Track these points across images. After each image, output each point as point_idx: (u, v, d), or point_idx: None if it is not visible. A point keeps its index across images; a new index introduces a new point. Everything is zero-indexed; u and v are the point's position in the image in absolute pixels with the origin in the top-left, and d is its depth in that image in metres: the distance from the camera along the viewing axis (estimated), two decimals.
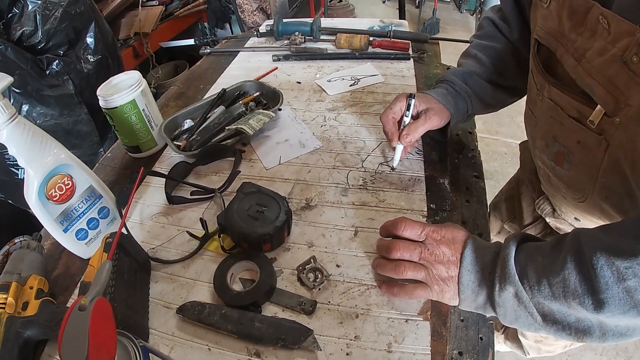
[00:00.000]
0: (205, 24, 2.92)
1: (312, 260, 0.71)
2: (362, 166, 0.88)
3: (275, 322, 0.58)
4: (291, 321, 0.58)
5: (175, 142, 0.96)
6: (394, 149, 0.80)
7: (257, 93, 1.07)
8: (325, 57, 1.18)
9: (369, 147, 0.92)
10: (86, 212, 0.68)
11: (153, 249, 0.71)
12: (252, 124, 0.93)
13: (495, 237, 1.18)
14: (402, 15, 2.93)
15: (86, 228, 0.69)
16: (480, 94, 0.79)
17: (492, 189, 2.20)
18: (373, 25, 1.32)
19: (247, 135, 0.90)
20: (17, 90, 1.37)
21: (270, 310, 0.60)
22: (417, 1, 4.24)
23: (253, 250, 0.67)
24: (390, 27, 1.29)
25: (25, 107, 1.40)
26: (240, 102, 1.02)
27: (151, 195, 0.82)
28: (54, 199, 0.63)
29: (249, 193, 0.74)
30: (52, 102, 1.44)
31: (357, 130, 0.97)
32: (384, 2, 4.78)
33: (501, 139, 2.59)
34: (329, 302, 0.61)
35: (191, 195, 0.82)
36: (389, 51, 1.22)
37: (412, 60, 1.19)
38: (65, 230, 0.66)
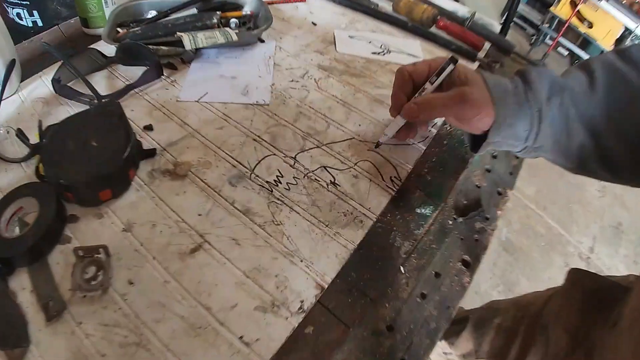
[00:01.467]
0: None
1: (102, 250, 0.43)
2: (295, 159, 0.56)
3: None
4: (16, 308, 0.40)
5: (119, 29, 0.71)
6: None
7: (249, 12, 0.77)
8: (368, 12, 0.91)
9: (330, 136, 0.60)
10: None
11: None
12: (198, 38, 0.65)
13: None
14: (503, 31, 2.26)
15: None
16: (563, 128, 0.47)
17: (509, 267, 1.79)
18: (456, 10, 0.93)
19: (187, 51, 0.64)
20: None
21: (20, 281, 0.42)
22: (532, 38, 3.39)
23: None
24: (471, 15, 0.89)
25: None
26: (219, 13, 0.73)
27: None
28: None
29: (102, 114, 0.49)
30: None
31: (332, 108, 0.65)
32: None
33: (546, 218, 2.00)
34: (81, 322, 0.40)
35: (70, 96, 0.60)
36: (453, 40, 0.84)
37: (477, 64, 0.81)
38: None
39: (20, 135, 0.53)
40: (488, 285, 1.62)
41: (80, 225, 0.47)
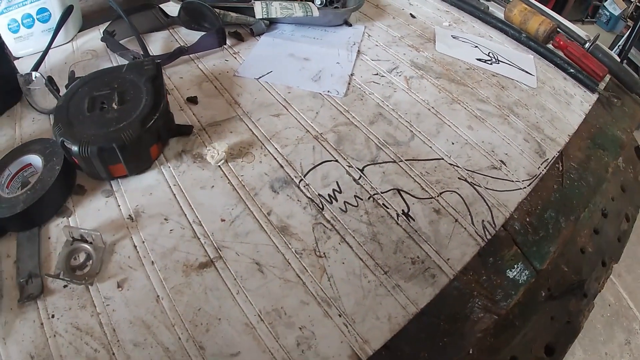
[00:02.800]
0: None
1: (96, 237, 0.34)
2: (362, 172, 0.43)
3: None
4: None
5: None
6: None
7: None
8: (476, 14, 0.78)
9: (414, 150, 0.47)
10: (25, 4, 0.58)
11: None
12: (272, 7, 0.55)
13: None
14: (622, 57, 1.89)
15: (19, 21, 0.58)
16: None
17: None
18: (576, 30, 0.76)
19: (258, 22, 0.56)
20: None
21: (7, 247, 0.37)
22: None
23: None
24: (595, 38, 0.72)
25: None
26: None
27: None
28: None
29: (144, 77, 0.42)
30: None
31: (422, 116, 0.51)
32: (582, 22, 3.21)
33: (618, 287, 1.71)
34: (54, 315, 0.33)
35: (122, 52, 0.54)
36: (570, 62, 0.67)
37: (596, 95, 0.64)
38: (1, 12, 0.57)
39: (50, 84, 0.46)
40: None
41: (84, 200, 0.40)
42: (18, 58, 0.56)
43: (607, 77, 0.70)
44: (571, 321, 0.40)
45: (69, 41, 0.59)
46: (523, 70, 0.65)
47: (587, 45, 0.73)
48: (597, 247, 0.46)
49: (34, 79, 0.49)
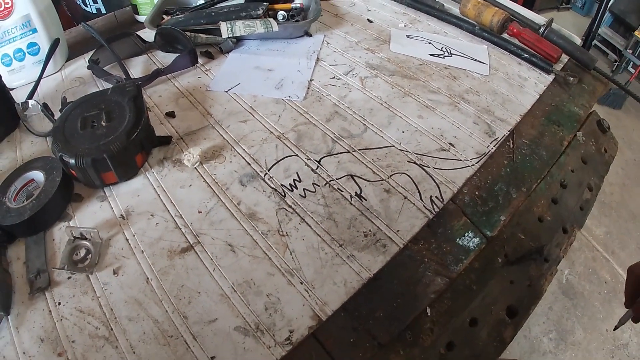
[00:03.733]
0: None
1: (94, 234, 0.41)
2: (319, 163, 0.50)
3: None
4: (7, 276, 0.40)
5: (165, 16, 0.72)
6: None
7: (299, 4, 0.74)
8: (432, 13, 0.83)
9: (366, 141, 0.54)
10: (15, 40, 0.64)
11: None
12: (236, 27, 0.63)
13: None
14: (585, 46, 1.89)
15: (11, 56, 0.65)
16: None
17: (565, 312, 1.55)
18: (532, 17, 0.82)
19: (226, 40, 0.63)
20: None
21: (17, 251, 0.43)
22: (614, 64, 2.87)
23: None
24: (548, 23, 0.77)
25: None
26: (266, 4, 0.70)
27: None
28: None
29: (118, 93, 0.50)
30: None
31: (374, 111, 0.58)
32: (558, 9, 3.28)
33: (613, 264, 1.72)
34: (60, 303, 0.39)
35: (106, 77, 0.61)
36: (526, 48, 0.73)
37: (552, 76, 0.69)
38: None
39: (45, 110, 0.53)
40: (540, 330, 1.44)
41: (82, 206, 0.46)
42: (12, 89, 0.62)
43: (566, 59, 0.74)
44: (532, 285, 0.44)
45: (58, 70, 0.66)
46: (476, 60, 0.71)
47: (541, 30, 0.78)
48: (557, 216, 0.51)
49: (30, 106, 0.56)
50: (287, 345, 0.35)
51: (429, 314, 0.39)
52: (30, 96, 0.59)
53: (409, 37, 0.74)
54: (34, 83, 0.61)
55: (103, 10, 0.93)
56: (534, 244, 0.47)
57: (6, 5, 0.60)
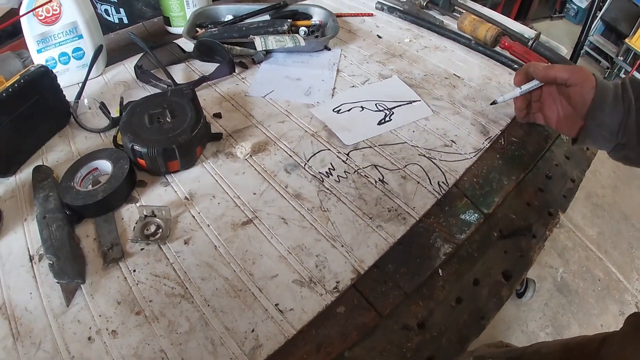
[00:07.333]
0: None
1: (164, 211, 0.51)
2: (348, 155, 0.63)
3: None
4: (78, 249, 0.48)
5: (197, 28, 0.84)
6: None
7: (318, 22, 0.86)
8: (432, 29, 0.96)
9: (384, 139, 0.66)
10: (62, 44, 0.72)
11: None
12: (268, 41, 0.75)
13: None
14: (574, 57, 2.02)
15: (56, 59, 0.73)
16: None
17: (561, 309, 1.65)
18: (523, 32, 0.96)
19: (258, 53, 0.75)
20: None
21: (86, 230, 0.51)
22: (606, 72, 3.03)
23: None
24: (536, 36, 0.91)
25: None
26: (290, 20, 0.83)
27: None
28: (39, 17, 0.68)
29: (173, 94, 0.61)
30: None
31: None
32: (551, 18, 3.50)
33: (606, 262, 1.85)
34: (135, 270, 0.47)
35: (149, 81, 0.72)
36: (516, 59, 0.88)
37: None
38: (39, 51, 0.71)
39: (103, 107, 0.64)
40: (536, 325, 1.55)
41: (147, 190, 0.56)
42: None
43: None
44: (523, 255, 0.54)
45: (99, 75, 0.76)
46: (413, 101, 0.72)
47: (530, 42, 0.90)
48: (543, 201, 0.61)
49: (86, 104, 0.66)
50: (335, 293, 0.46)
51: (440, 274, 0.50)
52: (78, 97, 0.67)
53: (336, 111, 0.69)
54: (76, 85, 0.69)
55: (125, 21, 1.02)
56: (524, 222, 0.58)
57: (54, 12, 0.68)
